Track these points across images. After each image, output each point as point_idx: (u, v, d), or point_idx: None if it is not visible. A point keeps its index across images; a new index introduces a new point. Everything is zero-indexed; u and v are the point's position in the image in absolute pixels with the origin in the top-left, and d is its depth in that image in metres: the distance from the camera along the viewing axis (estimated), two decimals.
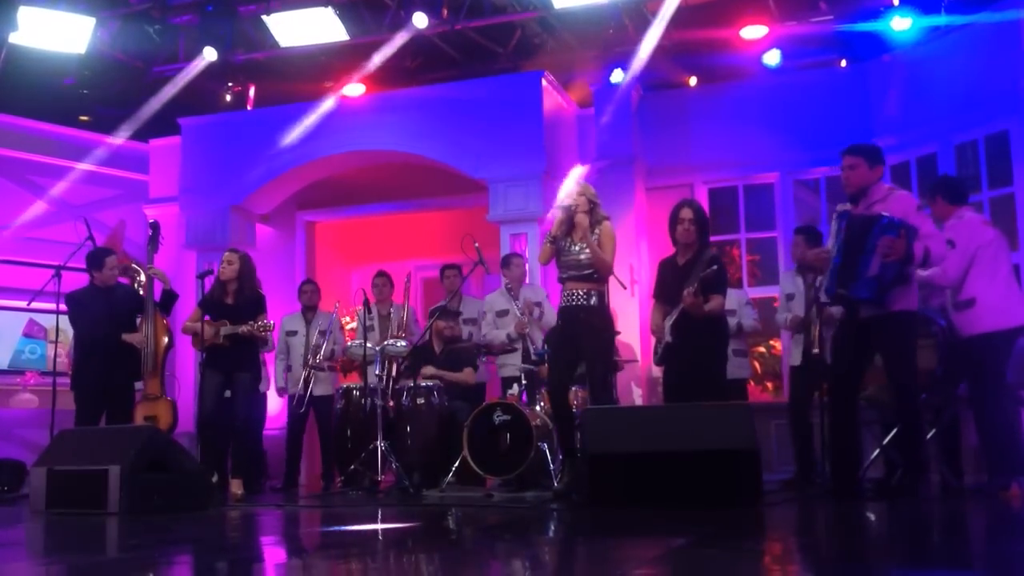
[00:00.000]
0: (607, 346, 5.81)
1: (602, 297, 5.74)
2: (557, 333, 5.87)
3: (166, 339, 7.29)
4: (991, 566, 2.98)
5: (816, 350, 6.40)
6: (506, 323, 7.48)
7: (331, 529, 4.79)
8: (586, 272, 5.69)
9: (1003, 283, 5.59)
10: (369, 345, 7.12)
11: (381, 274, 8.11)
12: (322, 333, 7.93)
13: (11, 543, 4.38)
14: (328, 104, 9.46)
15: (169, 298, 7.22)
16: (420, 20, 8.84)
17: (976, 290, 5.54)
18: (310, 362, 7.85)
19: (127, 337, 7.00)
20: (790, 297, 6.85)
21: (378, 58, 9.22)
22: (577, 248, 5.72)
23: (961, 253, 5.52)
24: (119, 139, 9.86)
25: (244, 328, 6.66)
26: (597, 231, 5.72)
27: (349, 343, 7.86)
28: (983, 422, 5.61)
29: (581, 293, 5.67)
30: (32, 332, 9.61)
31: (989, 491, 5.46)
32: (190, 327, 6.94)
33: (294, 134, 9.42)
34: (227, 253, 7.02)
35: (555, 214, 5.82)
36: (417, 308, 9.17)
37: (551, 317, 7.42)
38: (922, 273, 5.52)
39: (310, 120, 9.43)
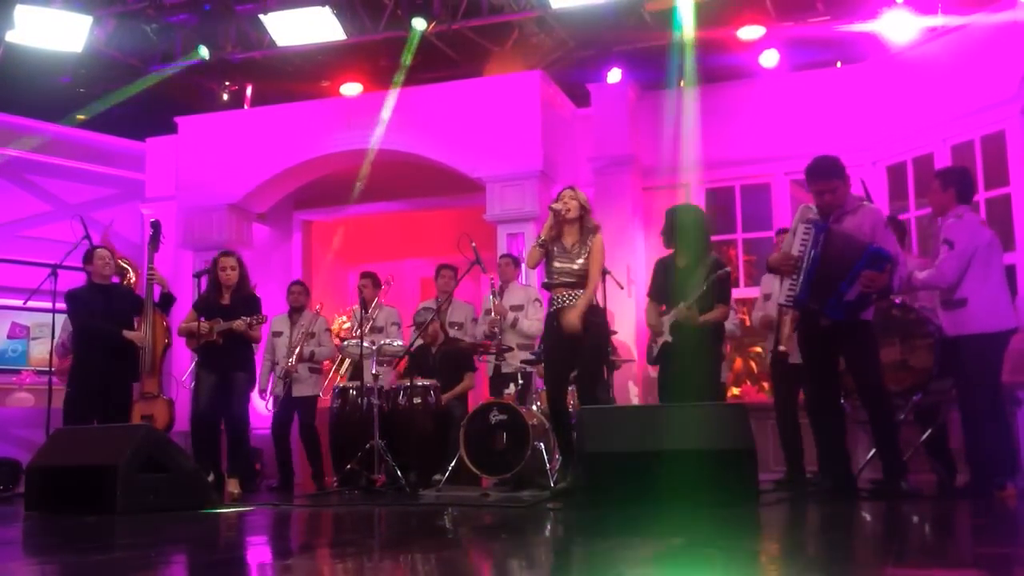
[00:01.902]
0: (603, 343, 5.79)
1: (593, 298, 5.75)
2: (551, 336, 5.84)
3: (165, 339, 7.28)
4: (985, 566, 2.99)
5: (782, 347, 6.41)
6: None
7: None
8: (580, 280, 5.68)
9: (995, 286, 5.60)
10: (365, 344, 7.12)
11: (366, 275, 8.08)
12: (308, 335, 7.89)
13: (7, 542, 4.37)
14: (325, 103, 9.48)
15: (167, 301, 7.21)
16: (419, 24, 8.83)
17: (969, 291, 5.54)
18: (284, 364, 7.82)
19: (128, 334, 6.99)
20: (767, 297, 6.85)
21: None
22: (573, 254, 5.69)
23: (960, 254, 5.51)
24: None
25: (238, 323, 6.67)
26: (589, 242, 5.70)
27: (344, 342, 7.85)
28: (968, 421, 5.63)
29: (575, 295, 5.66)
30: (14, 332, 9.62)
31: (976, 491, 5.46)
32: (185, 328, 6.95)
33: (291, 133, 9.43)
34: (225, 258, 6.97)
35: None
36: (412, 306, 9.17)
37: (528, 325, 7.43)
38: (919, 276, 5.54)
39: (307, 119, 9.45)
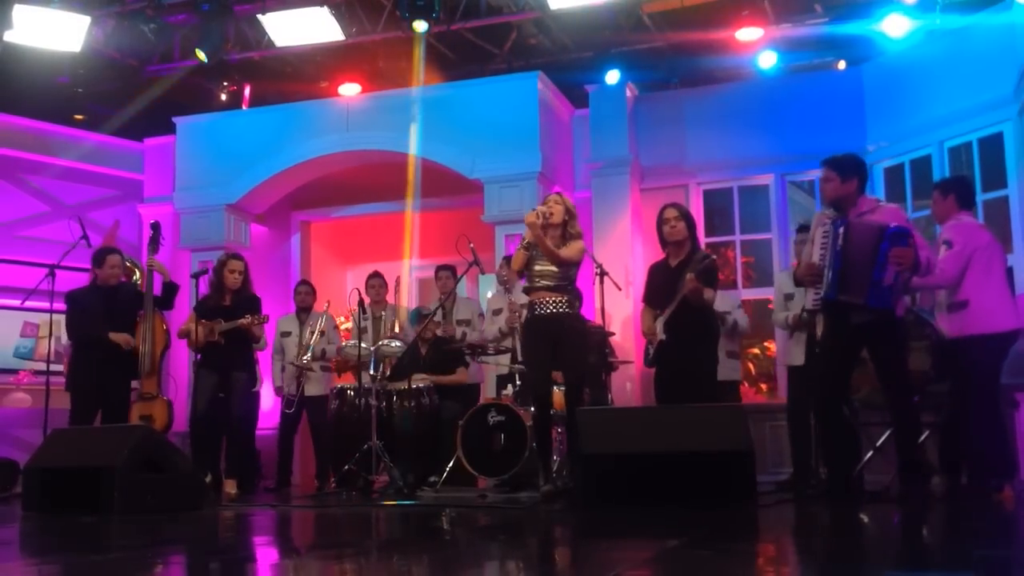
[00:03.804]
0: (585, 351, 5.81)
1: (576, 305, 5.76)
2: (533, 342, 5.80)
3: (164, 340, 7.27)
4: (984, 568, 2.99)
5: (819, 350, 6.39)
6: (500, 321, 7.54)
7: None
8: (560, 283, 5.69)
9: (996, 287, 5.61)
10: (364, 346, 7.13)
11: (375, 275, 8.13)
12: (320, 333, 7.92)
13: (4, 543, 4.37)
14: (324, 104, 9.48)
15: (170, 290, 7.21)
16: (420, 26, 8.82)
17: (970, 292, 5.56)
18: (297, 362, 7.84)
19: (113, 336, 6.95)
20: (789, 297, 6.83)
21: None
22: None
23: (958, 254, 5.54)
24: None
25: (242, 321, 6.69)
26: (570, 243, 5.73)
27: (344, 343, 7.86)
28: (967, 423, 5.63)
29: (558, 301, 5.67)
30: (26, 331, 9.60)
31: (975, 492, 5.47)
32: (185, 330, 6.95)
33: (289, 134, 9.43)
34: (233, 262, 7.00)
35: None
36: (410, 308, 9.18)
37: None
38: (918, 276, 5.55)
39: (305, 120, 9.44)
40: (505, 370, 7.44)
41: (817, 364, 5.60)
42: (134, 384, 7.22)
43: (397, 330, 7.70)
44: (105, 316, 6.99)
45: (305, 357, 7.81)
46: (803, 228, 6.98)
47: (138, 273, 8.33)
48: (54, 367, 8.04)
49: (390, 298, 8.14)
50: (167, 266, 7.88)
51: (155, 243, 7.42)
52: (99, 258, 7.13)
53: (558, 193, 5.99)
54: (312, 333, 7.91)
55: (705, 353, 5.84)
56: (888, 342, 5.24)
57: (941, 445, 6.11)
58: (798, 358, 6.68)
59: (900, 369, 5.28)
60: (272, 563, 3.56)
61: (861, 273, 5.12)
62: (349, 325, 8.86)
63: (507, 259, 7.88)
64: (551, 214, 5.71)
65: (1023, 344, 6.01)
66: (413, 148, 8.95)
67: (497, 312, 7.68)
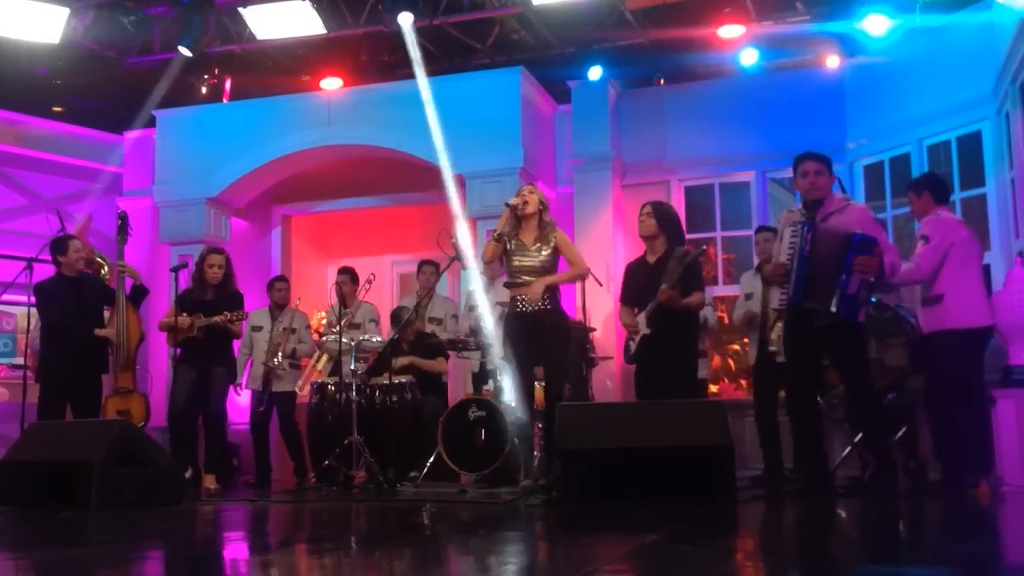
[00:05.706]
0: (568, 348, 5.83)
1: (558, 298, 5.77)
2: (517, 336, 5.78)
3: (139, 333, 7.22)
4: (959, 563, 3.01)
5: (772, 348, 6.46)
6: (473, 318, 7.55)
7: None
8: (542, 275, 5.68)
9: (972, 283, 5.65)
10: (345, 340, 7.11)
11: (345, 271, 8.06)
12: (287, 331, 7.86)
13: None
14: (305, 98, 9.44)
15: (139, 293, 7.14)
16: (405, 19, 8.79)
17: (945, 287, 5.60)
18: (268, 363, 7.77)
19: (99, 332, 6.93)
20: (748, 296, 6.89)
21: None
22: (535, 249, 5.70)
23: (935, 249, 5.59)
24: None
25: (219, 318, 6.66)
26: (553, 238, 5.72)
27: (325, 338, 7.82)
28: (937, 418, 5.68)
29: (542, 296, 5.67)
30: (2, 326, 9.52)
31: (950, 488, 5.51)
32: (166, 323, 6.90)
33: (270, 127, 9.38)
34: (213, 256, 6.96)
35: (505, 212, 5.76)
36: (391, 303, 9.15)
37: None
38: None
39: (287, 114, 9.40)
40: (476, 367, 7.44)
41: (789, 364, 5.62)
42: (107, 378, 7.16)
43: (350, 328, 7.62)
44: (77, 307, 6.93)
45: (276, 359, 7.75)
46: (763, 228, 7.08)
47: (107, 268, 8.27)
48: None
49: (361, 294, 8.10)
50: (146, 260, 7.84)
51: (123, 233, 7.32)
52: (61, 245, 7.01)
53: (530, 184, 6.00)
54: (284, 330, 7.86)
55: (686, 350, 5.85)
56: (848, 345, 5.29)
57: (935, 440, 6.15)
58: (754, 356, 6.75)
59: (860, 372, 5.31)
60: (251, 558, 3.55)
61: (827, 281, 5.14)
62: (327, 320, 8.83)
63: None
64: (525, 203, 5.71)
65: (999, 339, 6.07)
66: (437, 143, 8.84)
67: (473, 308, 7.67)
